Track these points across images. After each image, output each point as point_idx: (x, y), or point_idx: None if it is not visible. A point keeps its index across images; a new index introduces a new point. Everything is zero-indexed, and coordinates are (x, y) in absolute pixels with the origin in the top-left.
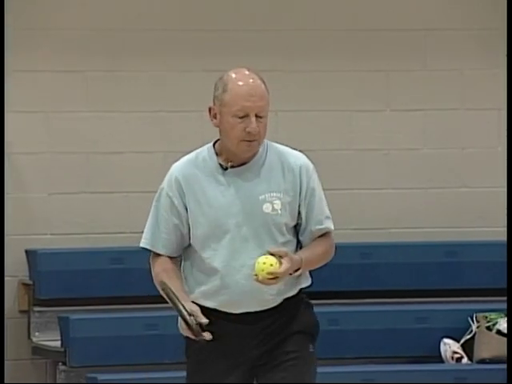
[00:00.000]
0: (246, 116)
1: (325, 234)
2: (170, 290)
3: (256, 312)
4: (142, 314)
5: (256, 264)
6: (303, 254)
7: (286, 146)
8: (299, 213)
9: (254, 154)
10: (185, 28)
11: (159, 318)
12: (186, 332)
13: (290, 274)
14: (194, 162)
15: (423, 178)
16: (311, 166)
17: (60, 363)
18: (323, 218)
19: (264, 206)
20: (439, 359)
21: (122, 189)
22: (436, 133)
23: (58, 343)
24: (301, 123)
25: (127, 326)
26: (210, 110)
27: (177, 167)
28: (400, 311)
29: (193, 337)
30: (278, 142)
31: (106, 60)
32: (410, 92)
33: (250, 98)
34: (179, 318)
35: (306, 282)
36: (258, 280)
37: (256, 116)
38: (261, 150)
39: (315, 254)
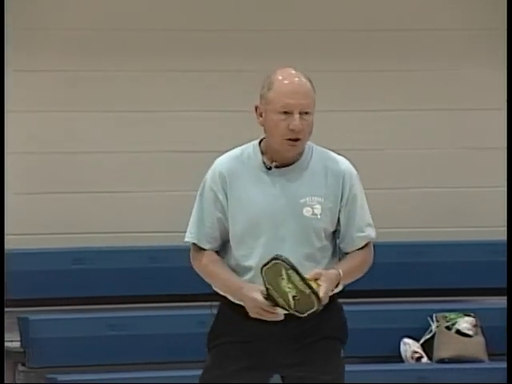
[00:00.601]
0: (290, 113)
1: (365, 244)
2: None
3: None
4: (102, 314)
5: None
6: (341, 267)
7: None
8: (338, 219)
9: (299, 156)
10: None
11: (120, 319)
12: (267, 313)
13: (332, 290)
14: (239, 158)
15: (389, 179)
16: (355, 172)
17: (19, 364)
18: (364, 225)
19: (304, 210)
20: (399, 359)
21: (87, 189)
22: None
23: (18, 344)
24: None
25: (87, 326)
26: (256, 108)
27: (221, 161)
28: (360, 311)
29: (273, 317)
30: None
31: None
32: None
33: (294, 96)
34: (254, 298)
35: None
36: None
37: (300, 114)
38: (306, 152)
39: (353, 266)
